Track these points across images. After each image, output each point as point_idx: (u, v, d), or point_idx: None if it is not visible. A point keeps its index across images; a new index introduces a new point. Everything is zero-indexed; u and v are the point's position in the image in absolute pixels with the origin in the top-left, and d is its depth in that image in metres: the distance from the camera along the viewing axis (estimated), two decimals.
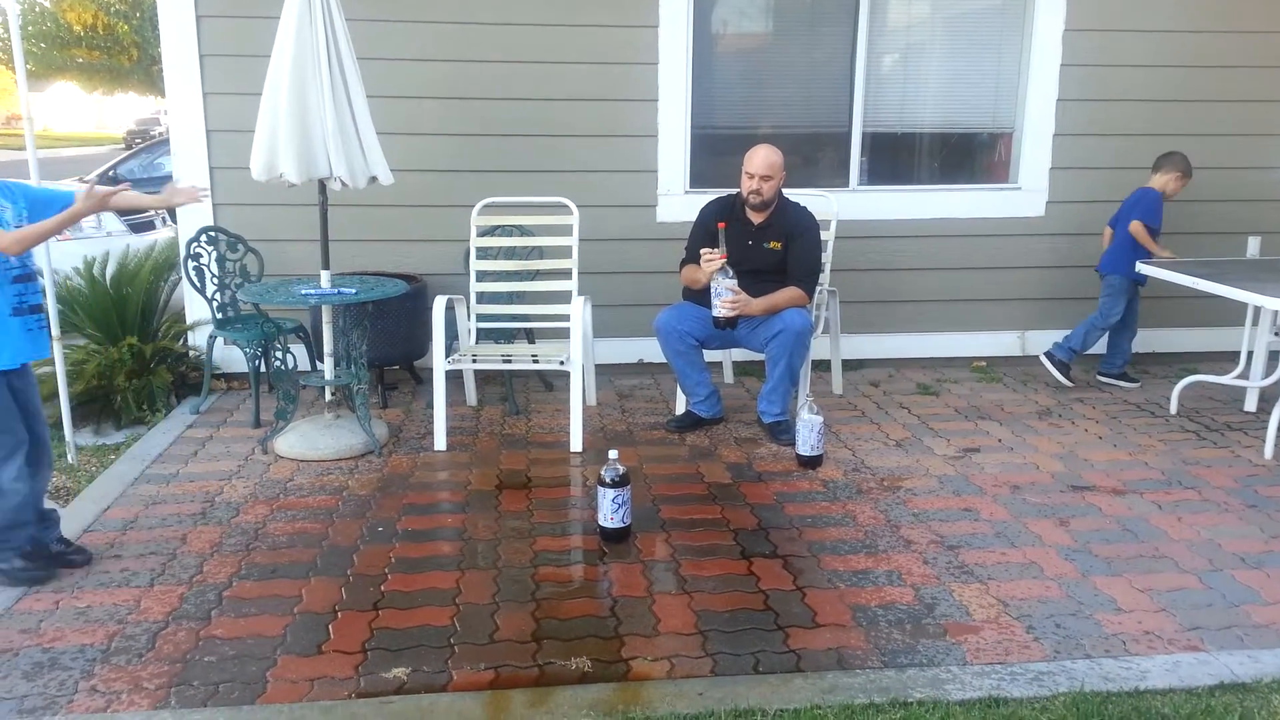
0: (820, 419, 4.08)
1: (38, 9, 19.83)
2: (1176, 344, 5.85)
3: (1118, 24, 5.44)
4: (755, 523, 3.56)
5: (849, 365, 5.35)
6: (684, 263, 4.54)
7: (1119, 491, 3.87)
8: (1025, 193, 5.61)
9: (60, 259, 4.98)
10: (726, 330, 4.35)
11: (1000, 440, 4.47)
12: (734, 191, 4.46)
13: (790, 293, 4.31)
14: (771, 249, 4.36)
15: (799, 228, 4.39)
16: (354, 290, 4.16)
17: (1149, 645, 2.75)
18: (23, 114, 4.15)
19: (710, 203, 4.54)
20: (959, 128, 5.70)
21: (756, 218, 4.39)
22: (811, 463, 4.10)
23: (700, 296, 4.41)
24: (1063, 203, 5.61)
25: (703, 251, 4.21)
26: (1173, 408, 4.89)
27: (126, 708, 2.46)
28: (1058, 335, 5.76)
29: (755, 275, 4.30)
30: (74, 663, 2.66)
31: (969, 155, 5.75)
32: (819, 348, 4.70)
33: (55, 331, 4.22)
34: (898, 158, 5.70)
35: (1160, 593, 3.05)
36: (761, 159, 4.28)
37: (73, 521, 3.57)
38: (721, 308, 4.16)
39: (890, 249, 5.52)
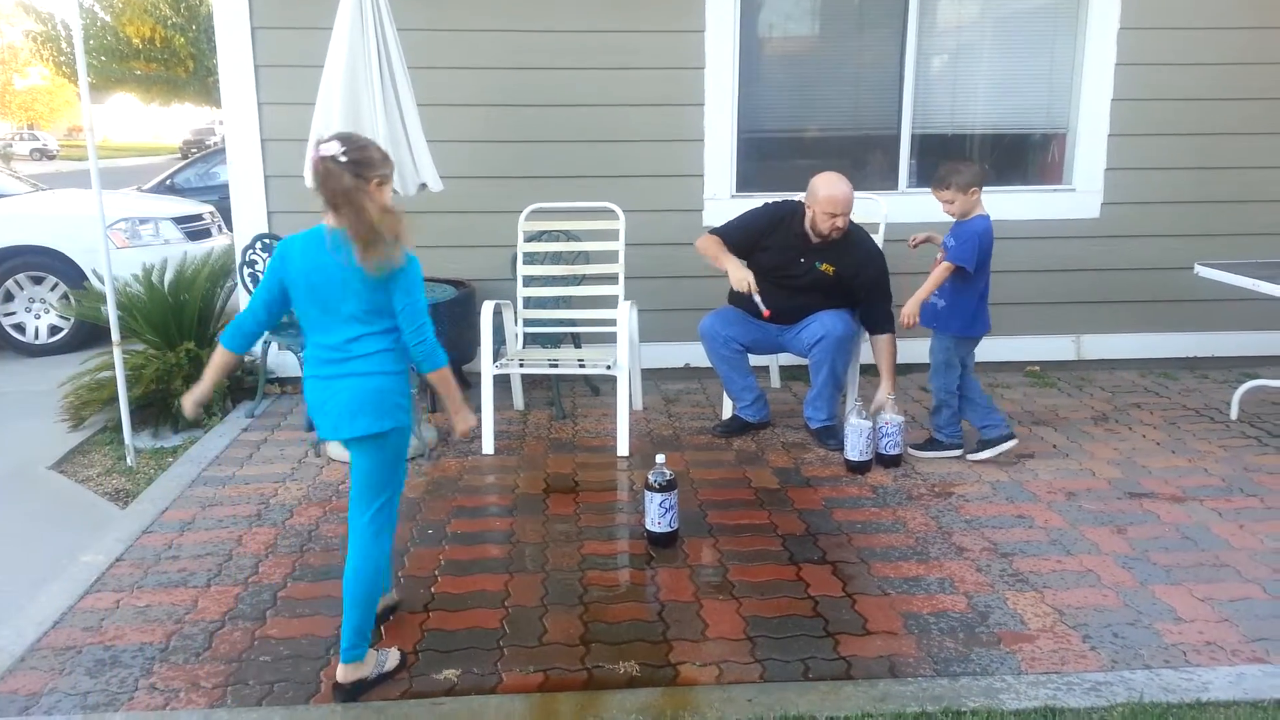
0: (869, 424, 4.04)
1: (99, 24, 20.36)
2: (1236, 348, 5.70)
3: (1173, 21, 5.32)
4: (804, 528, 3.53)
5: (899, 369, 5.28)
6: (714, 233, 4.42)
7: (1178, 499, 3.78)
8: (1080, 194, 5.51)
9: (119, 266, 5.11)
10: (772, 336, 4.35)
11: (1055, 446, 4.39)
12: (796, 200, 4.39)
13: (890, 348, 4.31)
14: (823, 271, 4.29)
15: (872, 267, 4.31)
16: None
17: (1211, 656, 2.68)
18: (85, 125, 4.26)
19: (772, 206, 4.43)
20: (1011, 129, 5.62)
21: (814, 236, 4.31)
22: (860, 468, 4.06)
23: (742, 300, 4.39)
24: (1118, 204, 5.50)
25: (751, 285, 4.17)
26: (1233, 413, 4.77)
27: (184, 706, 2.52)
28: (1113, 339, 5.67)
29: (797, 292, 4.28)
30: (134, 661, 2.73)
31: (1021, 157, 5.66)
32: (867, 351, 4.64)
33: (115, 337, 4.33)
34: (948, 159, 5.61)
35: (1222, 602, 2.97)
36: (846, 198, 4.16)
37: (132, 522, 3.66)
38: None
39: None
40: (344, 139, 2.45)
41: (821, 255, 4.30)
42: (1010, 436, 4.13)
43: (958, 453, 4.18)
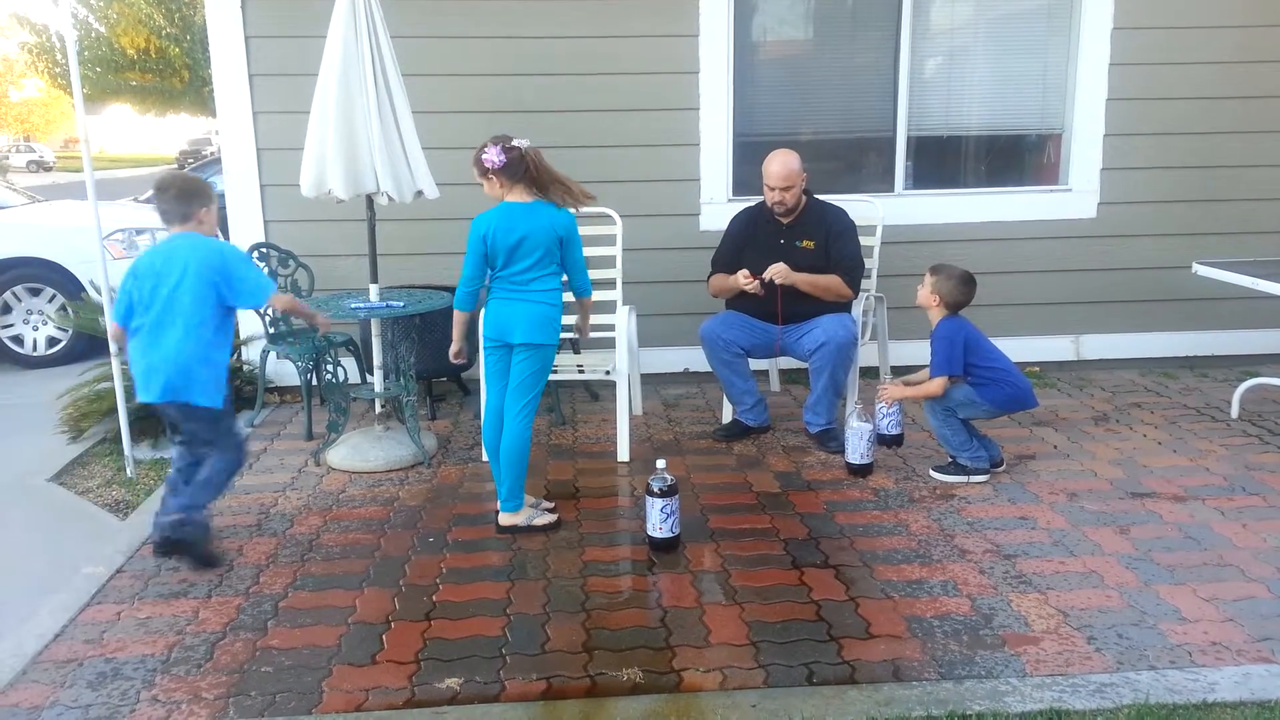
0: (869, 426, 4.03)
1: (93, 35, 20.34)
2: (1236, 346, 5.70)
3: (1167, 20, 5.33)
4: (805, 532, 3.53)
5: (898, 371, 5.27)
6: (712, 273, 4.57)
7: (1180, 498, 3.77)
8: (1076, 194, 5.51)
9: (117, 277, 5.09)
10: (773, 340, 4.36)
11: (1056, 446, 4.38)
12: (760, 199, 4.49)
13: (831, 278, 4.30)
14: (804, 248, 4.35)
15: (837, 226, 4.40)
16: (402, 303, 4.21)
17: (1216, 656, 2.67)
18: (80, 137, 4.26)
19: (739, 213, 4.61)
20: (1006, 130, 5.62)
21: (784, 217, 4.42)
22: (862, 471, 4.05)
23: (743, 304, 4.39)
24: (1115, 204, 5.50)
25: (742, 276, 4.26)
26: (1234, 412, 4.76)
27: (186, 717, 2.50)
28: (1112, 338, 5.67)
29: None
30: (135, 673, 2.71)
31: (1017, 157, 5.67)
32: (866, 354, 4.64)
33: (114, 348, 4.32)
34: (944, 161, 5.63)
35: (1227, 602, 2.97)
36: (778, 171, 4.29)
37: (132, 534, 3.65)
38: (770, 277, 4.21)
39: (938, 253, 5.42)
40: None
41: (798, 233, 4.39)
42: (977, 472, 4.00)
43: (984, 478, 3.96)
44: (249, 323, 5.26)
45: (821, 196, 4.51)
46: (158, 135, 47.40)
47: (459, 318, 3.63)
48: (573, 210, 3.49)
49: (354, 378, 5.14)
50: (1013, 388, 3.92)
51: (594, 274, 4.74)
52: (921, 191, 5.53)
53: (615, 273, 4.68)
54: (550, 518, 3.60)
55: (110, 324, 3.52)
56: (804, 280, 4.25)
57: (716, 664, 2.69)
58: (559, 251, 3.46)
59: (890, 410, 4.15)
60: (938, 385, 3.91)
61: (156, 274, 3.21)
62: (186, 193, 3.35)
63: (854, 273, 4.37)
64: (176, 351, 3.18)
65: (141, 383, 3.25)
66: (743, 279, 4.25)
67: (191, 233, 3.34)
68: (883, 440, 4.16)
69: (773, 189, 4.31)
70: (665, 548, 3.37)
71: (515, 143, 3.38)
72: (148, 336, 3.22)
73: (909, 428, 4.50)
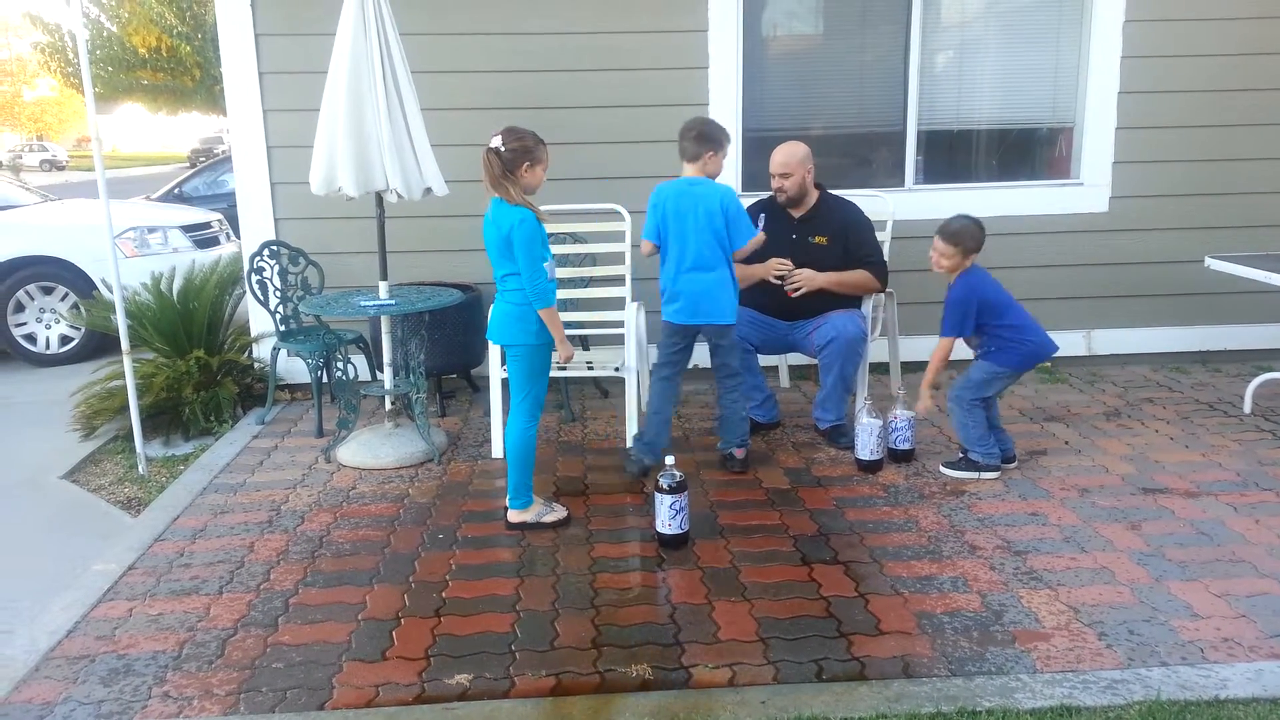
0: (879, 422, 4.02)
1: (105, 34, 20.40)
2: (1249, 341, 5.66)
3: (1179, 13, 5.30)
4: (815, 528, 3.52)
5: (909, 367, 5.27)
6: None
7: (1192, 494, 3.75)
8: (1087, 188, 5.49)
9: (128, 275, 5.13)
10: (782, 335, 4.35)
11: (1067, 442, 4.36)
12: (771, 193, 4.49)
13: (859, 274, 4.33)
14: (817, 243, 4.35)
15: (851, 221, 4.41)
16: (411, 300, 4.21)
17: (1229, 653, 2.66)
18: (92, 136, 4.28)
19: (750, 206, 4.56)
20: (1017, 123, 5.59)
21: (796, 211, 4.41)
22: (871, 467, 4.04)
23: (753, 299, 4.39)
24: (1127, 198, 5.47)
25: (774, 262, 4.28)
26: (1247, 407, 4.73)
27: (198, 713, 2.52)
28: (1124, 333, 5.64)
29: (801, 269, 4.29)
30: (147, 669, 2.73)
31: (1028, 151, 5.64)
32: (877, 350, 4.63)
33: (125, 346, 4.34)
34: (954, 155, 5.61)
35: (1239, 598, 2.95)
36: (776, 158, 4.33)
37: (144, 531, 3.66)
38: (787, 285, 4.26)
39: None
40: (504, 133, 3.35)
41: (811, 228, 4.38)
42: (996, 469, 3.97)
43: (995, 474, 3.94)
44: (260, 320, 5.28)
45: (832, 191, 4.50)
46: (169, 134, 47.60)
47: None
48: (530, 209, 3.36)
49: (364, 375, 5.15)
50: (1027, 344, 3.89)
51: (604, 270, 4.78)
52: (932, 186, 5.51)
53: (625, 269, 4.68)
54: (559, 514, 3.60)
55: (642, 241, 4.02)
56: (832, 281, 4.27)
57: (726, 660, 2.68)
58: (509, 252, 3.38)
59: (900, 425, 4.11)
60: (945, 345, 3.92)
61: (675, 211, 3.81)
62: (702, 137, 3.88)
63: (881, 267, 4.40)
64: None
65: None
66: (775, 267, 4.26)
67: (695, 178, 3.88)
68: (893, 455, 4.14)
69: (772, 175, 4.34)
70: (674, 544, 3.37)
71: (493, 141, 3.35)
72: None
73: (919, 423, 4.48)
